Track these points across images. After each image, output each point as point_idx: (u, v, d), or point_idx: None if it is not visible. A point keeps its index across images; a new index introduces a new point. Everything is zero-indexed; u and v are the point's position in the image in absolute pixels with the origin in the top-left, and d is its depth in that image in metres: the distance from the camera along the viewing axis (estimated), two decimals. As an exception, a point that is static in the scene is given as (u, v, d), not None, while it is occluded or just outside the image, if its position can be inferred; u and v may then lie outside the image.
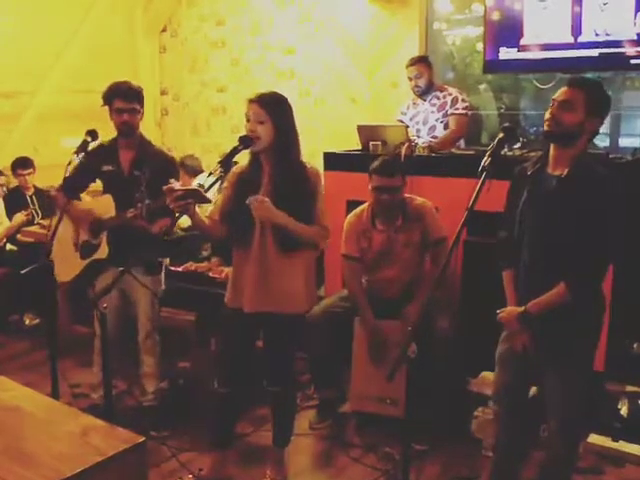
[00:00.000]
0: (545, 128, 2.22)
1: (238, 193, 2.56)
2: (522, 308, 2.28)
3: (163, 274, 3.33)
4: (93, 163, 3.15)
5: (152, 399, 3.36)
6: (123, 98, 3.07)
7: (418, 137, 4.19)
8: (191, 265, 4.09)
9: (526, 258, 2.31)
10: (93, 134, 3.09)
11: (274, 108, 2.49)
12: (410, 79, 4.24)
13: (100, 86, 3.15)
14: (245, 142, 2.47)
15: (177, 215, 2.37)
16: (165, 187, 2.32)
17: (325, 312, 3.34)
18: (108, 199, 3.12)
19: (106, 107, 3.11)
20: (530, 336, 2.29)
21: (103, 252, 3.14)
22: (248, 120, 2.51)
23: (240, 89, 5.61)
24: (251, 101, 2.51)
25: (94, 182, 3.28)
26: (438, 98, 4.23)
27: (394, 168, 3.18)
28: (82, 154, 3.07)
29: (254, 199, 2.43)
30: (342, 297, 3.43)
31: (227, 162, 2.38)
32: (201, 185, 2.32)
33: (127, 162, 3.16)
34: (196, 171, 4.85)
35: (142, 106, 3.15)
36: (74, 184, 3.18)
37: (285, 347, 2.73)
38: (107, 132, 3.21)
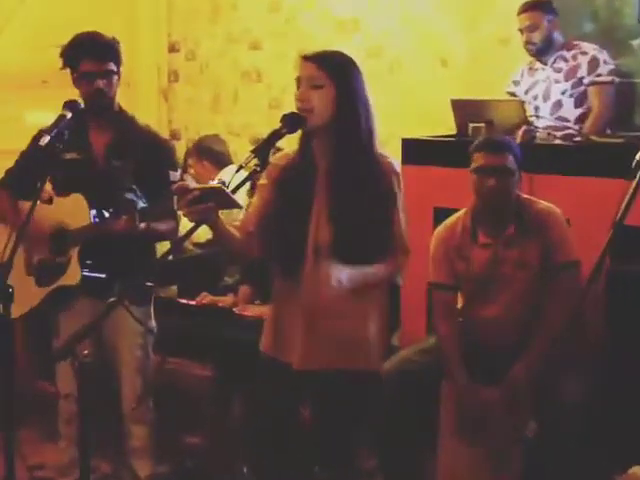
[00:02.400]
0: None
1: (282, 195, 2.58)
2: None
3: (152, 306, 3.37)
4: (51, 149, 3.16)
5: (147, 488, 3.39)
6: (93, 57, 3.11)
7: (537, 117, 4.17)
8: (206, 297, 4.14)
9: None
10: (74, 107, 3.09)
11: (338, 69, 2.51)
12: (521, 31, 4.24)
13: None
14: (291, 122, 2.48)
15: (194, 225, 2.40)
16: (176, 185, 2.37)
17: (399, 370, 3.34)
18: (76, 200, 3.14)
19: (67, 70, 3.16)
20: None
21: (73, 276, 3.14)
22: (299, 87, 2.53)
23: (281, 46, 5.67)
24: (305, 58, 2.54)
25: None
26: (565, 60, 4.21)
27: (504, 144, 3.20)
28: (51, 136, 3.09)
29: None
30: (422, 349, 3.42)
31: (264, 152, 2.41)
32: (221, 181, 2.35)
33: (102, 147, 3.23)
34: (224, 160, 4.84)
35: (119, 67, 3.21)
36: (22, 179, 3.22)
37: (349, 419, 2.72)
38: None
